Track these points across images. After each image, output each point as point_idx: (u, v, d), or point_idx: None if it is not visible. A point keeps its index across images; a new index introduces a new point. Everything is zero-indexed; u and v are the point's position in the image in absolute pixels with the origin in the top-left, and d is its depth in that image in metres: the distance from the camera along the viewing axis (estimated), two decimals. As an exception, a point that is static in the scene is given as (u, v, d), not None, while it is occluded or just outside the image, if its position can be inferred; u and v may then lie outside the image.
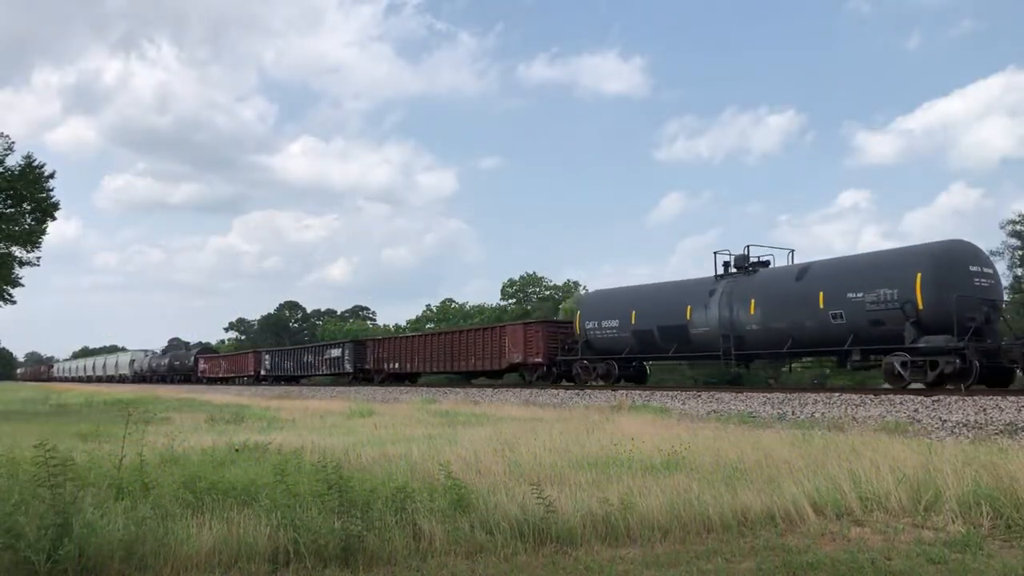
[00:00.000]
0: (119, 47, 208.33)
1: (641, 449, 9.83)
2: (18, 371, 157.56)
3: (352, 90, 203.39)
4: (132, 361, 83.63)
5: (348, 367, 41.81)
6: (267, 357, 53.78)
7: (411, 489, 6.71)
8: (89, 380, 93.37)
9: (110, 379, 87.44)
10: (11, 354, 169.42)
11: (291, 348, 54.90)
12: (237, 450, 9.99)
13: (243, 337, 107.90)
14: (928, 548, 5.68)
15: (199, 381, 63.14)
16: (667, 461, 9.05)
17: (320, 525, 5.74)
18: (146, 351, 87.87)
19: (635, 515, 6.39)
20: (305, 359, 47.69)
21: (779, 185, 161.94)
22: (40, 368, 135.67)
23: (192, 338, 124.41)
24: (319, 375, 46.87)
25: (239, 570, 5.42)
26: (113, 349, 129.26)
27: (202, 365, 65.49)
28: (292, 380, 49.71)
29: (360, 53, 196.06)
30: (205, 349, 79.65)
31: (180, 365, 70.05)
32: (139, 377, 79.52)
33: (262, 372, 53.30)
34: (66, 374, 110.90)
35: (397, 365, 37.88)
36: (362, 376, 41.19)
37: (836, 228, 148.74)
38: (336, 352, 43.61)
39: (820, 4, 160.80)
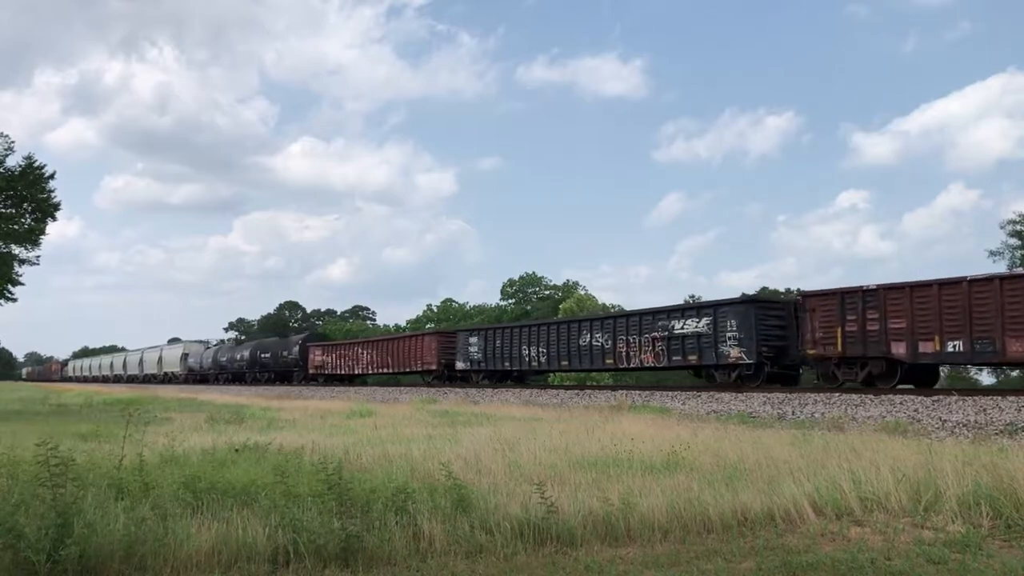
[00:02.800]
0: (119, 48, 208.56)
1: (641, 449, 9.83)
2: (23, 371, 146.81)
3: (353, 91, 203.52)
4: (185, 356, 64.91)
5: (733, 351, 21.68)
6: (474, 340, 32.47)
7: (411, 489, 6.70)
8: (117, 380, 76.76)
9: (148, 379, 69.41)
10: (11, 354, 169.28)
11: (541, 323, 30.81)
12: (237, 450, 9.99)
13: (243, 337, 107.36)
14: (928, 548, 5.67)
15: (310, 380, 45.91)
16: (667, 461, 9.05)
17: (320, 525, 5.74)
18: (207, 342, 70.77)
19: (635, 515, 6.38)
20: (587, 340, 26.41)
21: (778, 186, 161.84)
22: (51, 367, 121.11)
23: (191, 338, 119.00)
24: (631, 369, 26.00)
25: (239, 570, 5.42)
26: (113, 349, 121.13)
27: (317, 357, 45.43)
28: (518, 379, 31.42)
29: (361, 55, 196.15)
30: (315, 335, 57.76)
31: (273, 359, 51.06)
32: (197, 376, 61.19)
33: (461, 365, 33.10)
34: (84, 373, 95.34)
35: (957, 345, 16.89)
36: (777, 373, 21.84)
37: (835, 229, 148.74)
38: (697, 324, 22.92)
39: (818, 7, 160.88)
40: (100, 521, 5.58)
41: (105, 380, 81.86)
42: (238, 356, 56.22)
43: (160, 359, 69.71)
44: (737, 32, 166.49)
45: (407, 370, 37.81)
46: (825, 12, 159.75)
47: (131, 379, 74.19)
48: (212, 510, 6.31)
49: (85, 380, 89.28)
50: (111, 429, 13.34)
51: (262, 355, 52.93)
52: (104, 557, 5.28)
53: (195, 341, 70.68)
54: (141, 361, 74.31)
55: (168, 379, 66.14)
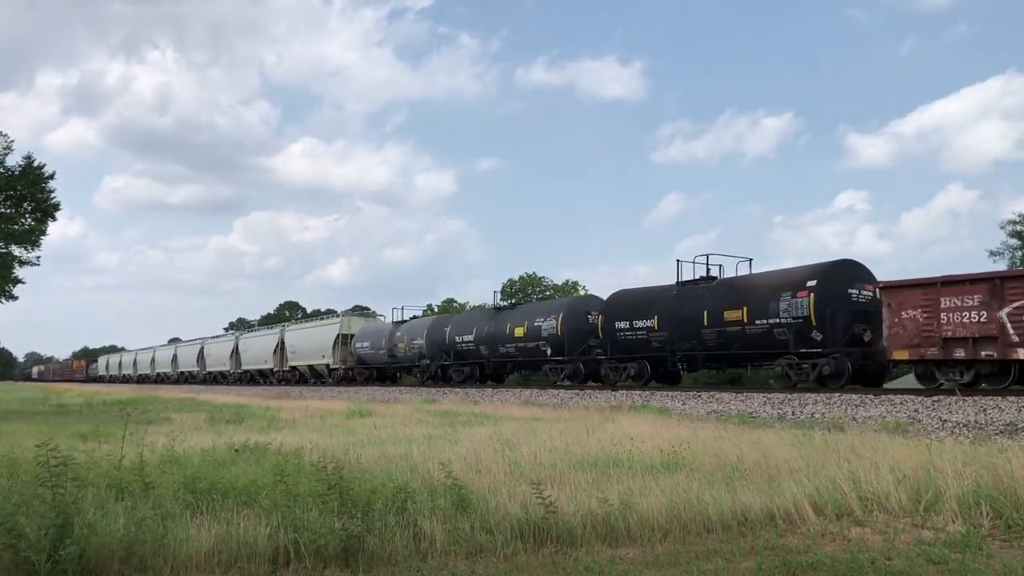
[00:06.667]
0: (120, 50, 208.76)
1: (641, 449, 9.82)
2: (34, 369, 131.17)
3: (353, 93, 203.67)
4: (344, 339, 38.76)
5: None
6: None
7: (411, 489, 6.70)
8: (188, 380, 54.18)
9: (257, 379, 46.14)
10: (11, 354, 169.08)
11: None
12: (237, 450, 9.99)
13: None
14: (928, 548, 5.67)
15: (831, 380, 19.09)
16: (667, 461, 9.04)
17: (320, 525, 5.74)
18: (378, 316, 43.41)
19: (635, 515, 6.38)
20: None
21: (776, 187, 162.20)
22: (72, 364, 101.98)
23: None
24: None
25: (239, 570, 5.42)
26: (113, 349, 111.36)
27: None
28: None
29: (362, 57, 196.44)
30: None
31: (666, 335, 22.30)
32: (379, 372, 37.21)
33: None
34: (124, 372, 71.96)
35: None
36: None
37: (832, 229, 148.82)
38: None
39: (817, 9, 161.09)
40: (100, 521, 5.57)
41: (161, 380, 60.72)
42: (506, 328, 28.64)
43: (280, 348, 43.30)
44: (736, 35, 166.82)
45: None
46: (823, 14, 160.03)
47: (215, 379, 50.32)
48: (212, 510, 6.30)
49: (127, 380, 68.43)
50: (111, 429, 13.33)
51: (631, 328, 23.76)
52: (104, 557, 5.27)
53: (357, 314, 44.68)
54: (235, 352, 48.41)
55: (301, 379, 42.20)
